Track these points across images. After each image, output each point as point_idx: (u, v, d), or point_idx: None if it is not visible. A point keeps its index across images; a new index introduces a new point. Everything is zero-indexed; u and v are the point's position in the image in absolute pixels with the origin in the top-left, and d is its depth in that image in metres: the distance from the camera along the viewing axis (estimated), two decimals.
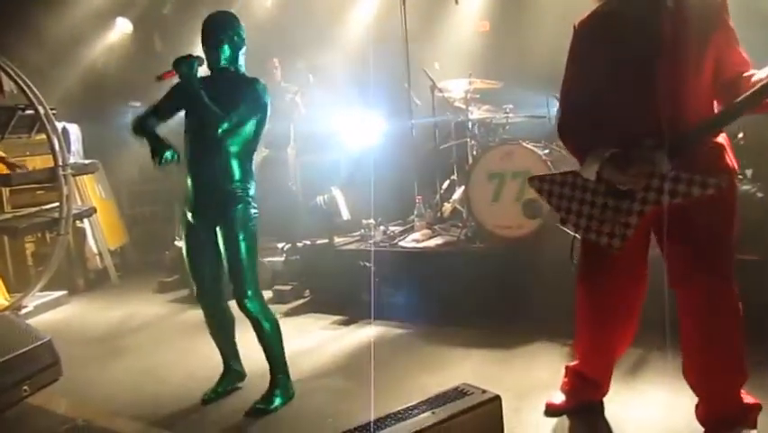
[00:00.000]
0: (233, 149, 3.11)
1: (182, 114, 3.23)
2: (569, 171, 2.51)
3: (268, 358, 3.25)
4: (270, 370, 3.25)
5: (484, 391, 2.29)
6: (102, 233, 6.77)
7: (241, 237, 3.13)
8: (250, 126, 3.12)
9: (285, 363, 3.28)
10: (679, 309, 2.40)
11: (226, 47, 3.13)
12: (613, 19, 2.34)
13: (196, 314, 5.24)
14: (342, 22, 7.14)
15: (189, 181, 3.17)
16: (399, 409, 2.21)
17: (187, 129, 3.18)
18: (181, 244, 6.11)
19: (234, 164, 3.13)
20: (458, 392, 2.31)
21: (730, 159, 2.34)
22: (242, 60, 3.21)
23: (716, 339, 2.34)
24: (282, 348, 3.27)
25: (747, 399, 2.42)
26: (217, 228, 3.17)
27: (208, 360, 3.94)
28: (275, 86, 6.49)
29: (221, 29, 3.13)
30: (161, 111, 3.28)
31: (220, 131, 2.98)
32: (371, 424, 2.14)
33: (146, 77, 3.29)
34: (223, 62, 3.14)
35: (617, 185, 2.28)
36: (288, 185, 6.43)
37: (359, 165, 6.18)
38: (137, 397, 3.53)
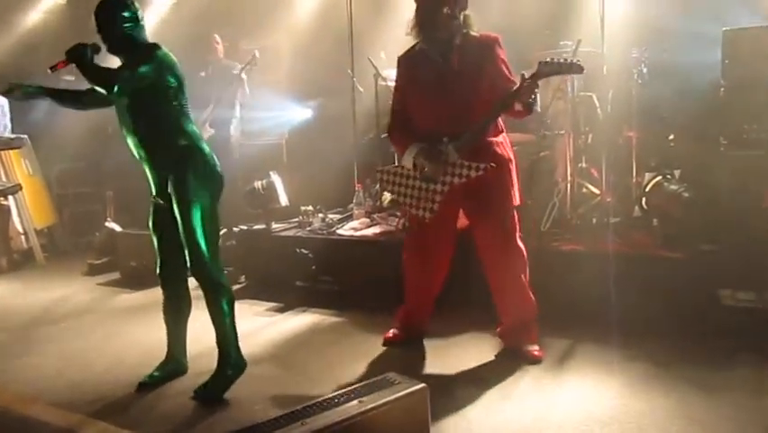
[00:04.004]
0: (160, 113, 3.04)
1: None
2: (398, 165, 3.38)
3: (218, 335, 3.13)
4: (219, 348, 3.13)
5: (411, 381, 2.31)
6: (28, 211, 6.47)
7: (193, 201, 3.02)
8: (160, 84, 3.01)
9: (236, 340, 3.17)
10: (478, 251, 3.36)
11: (116, 30, 3.07)
12: (422, 56, 3.27)
13: (126, 298, 5.14)
14: (288, 5, 7.01)
15: (146, 168, 3.13)
16: (326, 397, 2.20)
17: (119, 120, 3.13)
18: (114, 225, 6.00)
19: (172, 129, 3.07)
20: (385, 382, 2.31)
21: (505, 151, 3.28)
22: (142, 34, 3.14)
23: (508, 280, 3.31)
24: (234, 324, 3.16)
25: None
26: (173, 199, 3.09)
27: (136, 345, 3.84)
28: (217, 63, 6.34)
29: (105, 16, 3.08)
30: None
31: (115, 89, 2.88)
32: (297, 412, 2.12)
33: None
34: (117, 44, 3.09)
35: (425, 171, 3.17)
36: (229, 166, 6.28)
37: (299, 150, 6.09)
38: (58, 383, 3.40)
